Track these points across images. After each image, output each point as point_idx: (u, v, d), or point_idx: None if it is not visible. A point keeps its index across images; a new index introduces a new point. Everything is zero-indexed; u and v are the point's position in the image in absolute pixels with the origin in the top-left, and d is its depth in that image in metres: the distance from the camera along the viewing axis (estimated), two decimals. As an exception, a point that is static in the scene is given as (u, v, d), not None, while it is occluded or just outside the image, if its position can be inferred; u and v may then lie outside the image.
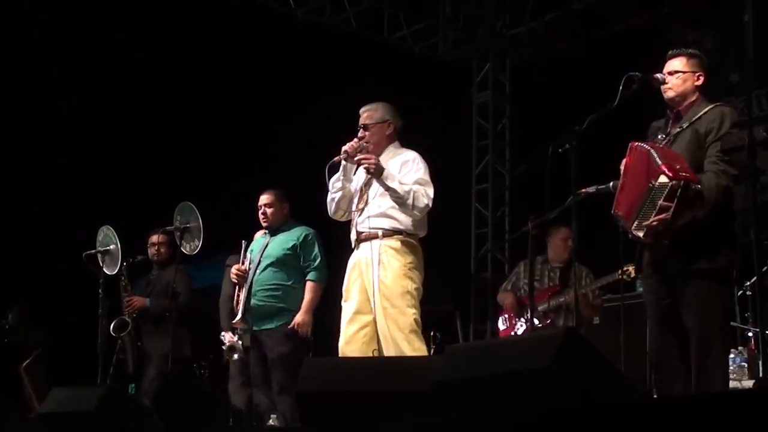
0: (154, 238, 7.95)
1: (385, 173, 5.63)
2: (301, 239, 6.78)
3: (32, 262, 9.54)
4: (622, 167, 5.08)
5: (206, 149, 10.15)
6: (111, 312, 7.76)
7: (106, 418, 4.74)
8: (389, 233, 5.63)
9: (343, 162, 5.75)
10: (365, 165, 5.64)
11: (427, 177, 5.72)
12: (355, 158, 5.69)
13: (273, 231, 6.89)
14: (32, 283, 9.43)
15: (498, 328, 7.88)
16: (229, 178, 9.92)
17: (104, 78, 9.66)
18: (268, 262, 6.76)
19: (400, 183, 5.63)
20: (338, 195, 5.81)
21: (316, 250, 6.78)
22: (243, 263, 6.82)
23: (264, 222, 6.90)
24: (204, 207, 7.35)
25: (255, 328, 6.74)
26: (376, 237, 5.64)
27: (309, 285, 6.69)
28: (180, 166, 9.95)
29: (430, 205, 5.65)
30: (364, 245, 5.68)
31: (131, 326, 7.80)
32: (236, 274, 6.76)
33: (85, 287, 7.83)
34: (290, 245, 6.78)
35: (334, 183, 5.79)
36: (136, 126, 9.83)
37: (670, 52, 5.15)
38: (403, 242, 5.64)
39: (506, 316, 7.73)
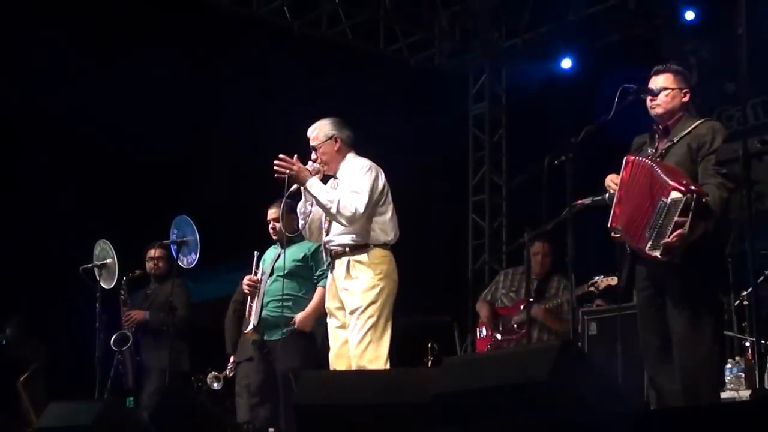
0: (152, 253, 7.95)
1: (310, 181, 5.68)
2: (312, 250, 6.78)
3: (29, 275, 9.52)
4: (610, 182, 5.10)
5: (204, 161, 10.16)
6: (108, 326, 7.75)
7: (103, 432, 4.74)
8: (356, 247, 5.68)
9: (302, 188, 5.80)
10: (284, 172, 5.68)
11: (364, 185, 5.68)
12: (300, 210, 5.78)
13: (283, 244, 6.89)
14: (30, 297, 9.41)
15: (477, 338, 7.93)
16: (226, 190, 9.92)
17: (101, 87, 9.65)
18: (279, 273, 6.78)
19: (326, 192, 5.68)
20: (307, 221, 5.88)
21: (323, 258, 6.77)
22: (255, 274, 6.83)
23: (274, 236, 6.92)
24: (201, 220, 7.34)
25: (265, 338, 6.75)
26: (345, 253, 5.69)
27: (318, 290, 6.71)
28: (177, 178, 9.94)
29: (360, 210, 5.60)
30: (336, 262, 5.74)
31: (131, 340, 7.80)
32: (248, 285, 6.78)
33: (82, 301, 7.82)
34: (301, 256, 6.78)
35: (301, 210, 5.88)
36: (134, 138, 9.82)
37: (655, 69, 5.17)
38: (371, 254, 5.68)
39: (484, 327, 7.78)
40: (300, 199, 5.88)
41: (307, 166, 5.76)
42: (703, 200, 4.72)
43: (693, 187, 4.71)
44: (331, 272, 5.79)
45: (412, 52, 11.23)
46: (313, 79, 10.26)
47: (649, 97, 5.10)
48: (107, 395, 7.56)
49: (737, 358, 6.58)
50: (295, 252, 6.81)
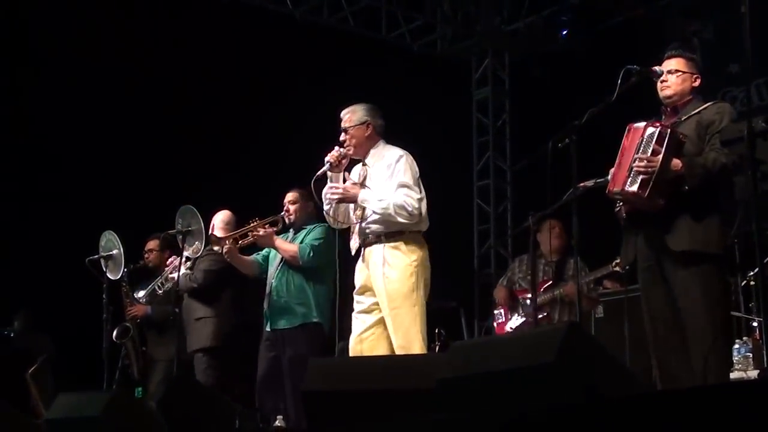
0: (149, 245, 8.00)
1: (361, 196, 5.66)
2: (307, 233, 6.81)
3: (36, 268, 9.53)
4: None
5: (208, 151, 10.15)
6: (115, 317, 7.77)
7: (111, 423, 4.74)
8: (391, 235, 5.64)
9: (329, 173, 5.77)
10: (334, 198, 5.72)
11: (408, 179, 5.65)
12: (325, 196, 5.75)
13: (296, 229, 6.92)
14: (36, 289, 9.43)
15: (494, 324, 7.94)
16: (230, 180, 9.91)
17: (103, 81, 9.65)
18: (286, 261, 6.81)
19: (378, 200, 5.62)
20: (332, 205, 5.83)
21: (321, 236, 6.79)
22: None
23: (288, 219, 6.93)
24: (206, 210, 7.34)
25: (273, 327, 6.77)
26: (379, 241, 5.65)
27: (292, 245, 6.75)
28: (183, 169, 9.93)
29: (417, 207, 5.58)
30: (368, 250, 5.69)
31: (133, 332, 7.82)
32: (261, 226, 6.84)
33: (89, 292, 7.83)
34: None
35: (326, 195, 5.81)
36: (137, 129, 9.82)
37: (668, 53, 5.21)
38: (406, 241, 5.64)
39: (501, 310, 7.79)
40: (324, 184, 5.83)
41: (333, 152, 5.74)
42: (680, 135, 4.86)
43: (671, 126, 4.85)
44: (362, 260, 5.73)
45: (415, 38, 11.21)
46: (315, 66, 10.25)
47: (662, 78, 5.13)
48: (115, 386, 7.58)
49: (745, 338, 6.57)
50: (303, 239, 6.85)
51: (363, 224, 5.70)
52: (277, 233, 6.96)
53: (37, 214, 9.69)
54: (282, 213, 6.97)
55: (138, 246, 8.08)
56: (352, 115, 5.86)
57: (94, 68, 9.62)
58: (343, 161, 5.78)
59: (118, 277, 7.67)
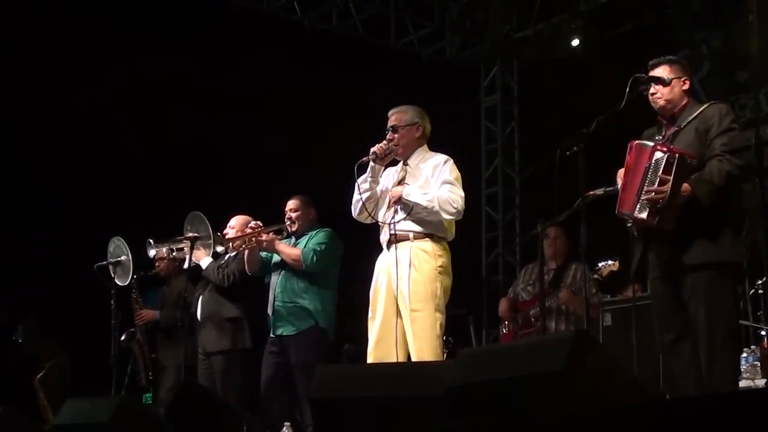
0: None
1: (405, 191, 5.66)
2: (312, 237, 6.82)
3: (44, 274, 9.56)
4: (621, 175, 5.11)
5: (217, 158, 10.17)
6: (124, 323, 7.78)
7: (119, 429, 4.75)
8: (420, 236, 5.64)
9: (371, 163, 5.75)
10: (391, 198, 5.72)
11: (453, 179, 5.69)
12: (359, 185, 5.73)
13: (297, 236, 6.93)
14: (44, 295, 9.45)
15: (501, 335, 7.95)
16: (238, 186, 9.93)
17: (110, 86, 9.67)
18: (289, 266, 6.81)
19: (424, 194, 5.64)
20: (364, 196, 5.77)
21: (323, 241, 6.79)
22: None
23: (291, 228, 6.94)
24: (215, 216, 7.36)
25: (277, 333, 6.76)
26: (407, 239, 5.64)
27: (295, 249, 6.74)
28: (191, 175, 9.96)
29: (461, 204, 5.62)
30: (395, 247, 5.65)
31: (139, 336, 7.84)
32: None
33: (97, 298, 7.85)
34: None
35: (361, 184, 5.76)
36: (146, 135, 9.84)
37: (650, 63, 5.17)
38: (434, 245, 5.65)
39: (506, 322, 7.79)
40: (364, 172, 5.79)
41: (380, 144, 5.73)
42: (689, 161, 4.80)
43: (679, 150, 4.80)
44: (386, 258, 5.69)
45: (423, 45, 11.21)
46: (323, 73, 10.26)
47: (651, 91, 5.10)
48: (124, 392, 7.60)
49: (753, 347, 6.55)
50: (305, 245, 6.86)
51: (394, 220, 5.68)
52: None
53: (45, 220, 9.71)
54: (286, 223, 6.97)
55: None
56: (403, 115, 5.87)
57: (102, 72, 9.64)
58: (388, 156, 5.78)
59: (127, 283, 7.68)
